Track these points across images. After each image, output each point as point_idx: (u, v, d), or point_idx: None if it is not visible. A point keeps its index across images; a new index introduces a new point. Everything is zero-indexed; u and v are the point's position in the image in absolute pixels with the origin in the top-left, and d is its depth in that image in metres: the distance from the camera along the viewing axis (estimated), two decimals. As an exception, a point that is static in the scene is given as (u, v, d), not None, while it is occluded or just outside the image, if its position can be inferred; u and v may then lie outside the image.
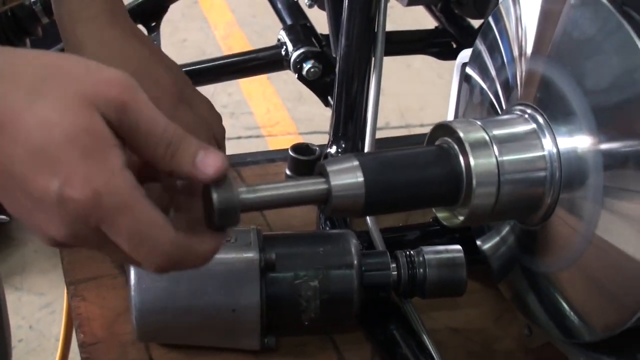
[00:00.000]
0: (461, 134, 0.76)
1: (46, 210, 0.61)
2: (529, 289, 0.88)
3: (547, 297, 0.85)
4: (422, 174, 0.76)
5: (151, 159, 0.64)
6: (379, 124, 3.81)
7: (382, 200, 0.75)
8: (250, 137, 3.18)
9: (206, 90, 3.42)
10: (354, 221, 1.13)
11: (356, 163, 0.74)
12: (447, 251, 0.94)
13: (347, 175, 0.73)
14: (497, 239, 0.91)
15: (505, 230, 0.89)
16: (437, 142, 0.79)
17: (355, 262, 0.91)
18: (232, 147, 3.54)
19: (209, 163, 0.64)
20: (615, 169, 0.73)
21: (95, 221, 0.61)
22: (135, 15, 1.52)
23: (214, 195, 0.68)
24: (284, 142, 3.16)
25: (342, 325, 0.96)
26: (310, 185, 0.73)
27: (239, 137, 3.15)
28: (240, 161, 1.34)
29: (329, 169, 0.73)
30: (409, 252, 0.95)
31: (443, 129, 0.79)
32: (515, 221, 0.86)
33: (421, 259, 0.94)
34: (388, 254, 0.95)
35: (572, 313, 0.82)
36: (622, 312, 0.76)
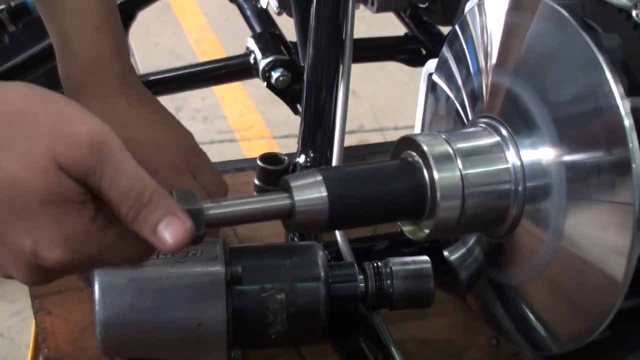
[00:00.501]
0: (425, 148, 0.76)
1: (16, 259, 0.63)
2: (496, 301, 0.88)
3: (515, 309, 0.85)
4: (386, 188, 0.76)
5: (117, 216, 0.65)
6: (353, 127, 3.79)
7: (346, 214, 0.75)
8: (223, 141, 3.17)
9: (180, 94, 3.39)
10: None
11: (319, 178, 0.73)
12: (414, 262, 0.94)
13: (310, 190, 0.73)
14: (463, 250, 0.91)
15: (472, 242, 0.89)
16: (401, 156, 0.79)
17: (322, 274, 0.90)
18: (206, 152, 3.50)
19: (169, 233, 0.64)
20: (578, 180, 0.73)
21: (70, 272, 0.66)
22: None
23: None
24: (258, 146, 3.15)
25: (310, 338, 0.95)
26: (274, 200, 0.73)
27: (212, 142, 3.13)
28: (209, 170, 1.33)
29: (292, 184, 0.73)
30: (377, 264, 0.94)
31: (407, 143, 0.79)
32: (482, 233, 0.86)
33: (388, 270, 0.93)
34: (355, 265, 0.95)
35: (539, 325, 0.82)
36: (588, 323, 0.76)
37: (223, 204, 0.72)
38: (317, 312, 0.90)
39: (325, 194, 0.73)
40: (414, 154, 0.78)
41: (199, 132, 3.27)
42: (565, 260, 0.76)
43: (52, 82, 1.93)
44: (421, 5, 1.43)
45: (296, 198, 0.72)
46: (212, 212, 0.71)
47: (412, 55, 1.53)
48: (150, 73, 1.38)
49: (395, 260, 0.94)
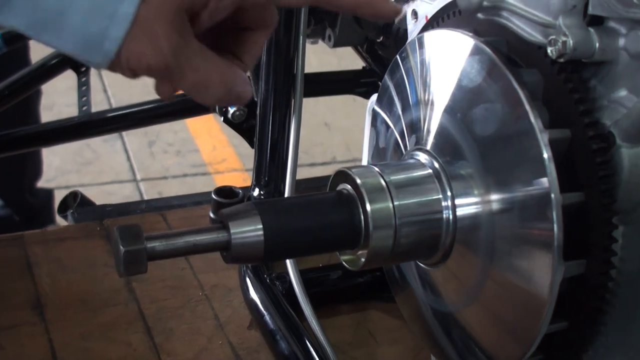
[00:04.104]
0: (358, 181, 0.79)
1: None
2: (438, 329, 0.90)
3: (454, 335, 0.88)
4: (320, 219, 0.78)
5: None
6: (326, 159, 3.79)
7: (282, 246, 0.77)
8: (196, 174, 3.18)
9: (152, 128, 3.35)
10: (275, 263, 1.15)
11: (255, 211, 0.76)
12: None
13: (246, 223, 0.75)
14: (404, 282, 0.93)
15: (412, 273, 0.91)
16: (337, 188, 0.82)
17: None
18: (178, 186, 3.48)
19: None
20: (504, 208, 0.76)
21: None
22: (64, 60, 1.54)
23: (121, 246, 0.71)
24: (231, 178, 3.17)
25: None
26: (212, 233, 0.75)
27: (185, 175, 3.15)
28: (166, 205, 1.35)
29: (229, 217, 0.75)
30: None
31: (342, 176, 0.81)
32: (420, 263, 0.88)
33: None
34: None
35: (478, 350, 0.85)
36: (520, 346, 0.78)
37: (164, 237, 0.74)
38: None
39: (260, 226, 0.75)
40: (349, 186, 0.80)
41: (172, 165, 3.28)
42: (497, 284, 0.79)
43: (24, 114, 1.95)
44: (377, 40, 1.47)
45: (232, 231, 0.74)
46: (153, 244, 0.73)
47: (369, 89, 1.57)
48: (108, 110, 1.41)
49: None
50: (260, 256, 0.76)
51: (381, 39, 1.44)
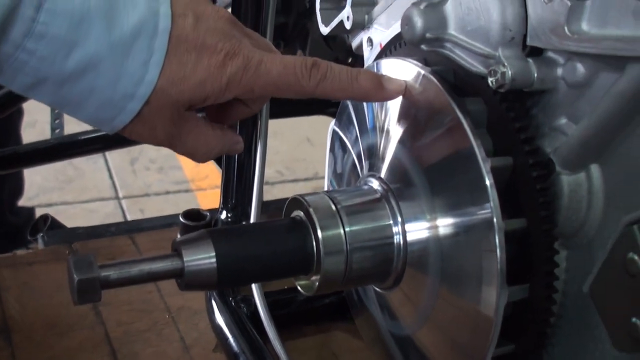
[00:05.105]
0: (310, 208, 0.80)
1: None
2: (396, 352, 0.92)
3: (413, 358, 0.89)
4: (273, 246, 0.80)
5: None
6: (308, 174, 3.79)
7: (235, 273, 0.78)
8: (179, 191, 3.20)
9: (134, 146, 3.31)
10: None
11: (208, 239, 0.77)
12: None
13: (199, 251, 0.77)
14: (363, 305, 0.95)
15: (369, 296, 0.93)
16: (291, 215, 0.84)
17: None
18: (161, 203, 3.47)
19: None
20: (451, 233, 0.78)
21: None
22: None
23: (75, 275, 0.72)
24: (213, 195, 3.18)
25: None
26: (165, 261, 0.77)
27: (167, 192, 3.16)
28: (136, 227, 1.36)
29: (182, 245, 0.77)
30: None
31: (297, 203, 0.83)
32: (375, 287, 0.90)
33: None
34: None
35: (433, 371, 0.86)
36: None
37: (117, 266, 0.76)
38: None
39: (213, 254, 0.77)
40: (302, 213, 0.82)
41: (154, 182, 3.30)
42: (447, 308, 0.81)
43: (5, 134, 1.96)
44: (346, 61, 1.49)
45: (185, 259, 0.76)
46: (109, 275, 0.75)
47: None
48: (81, 132, 1.42)
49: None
50: (214, 283, 0.78)
51: (350, 60, 1.47)
